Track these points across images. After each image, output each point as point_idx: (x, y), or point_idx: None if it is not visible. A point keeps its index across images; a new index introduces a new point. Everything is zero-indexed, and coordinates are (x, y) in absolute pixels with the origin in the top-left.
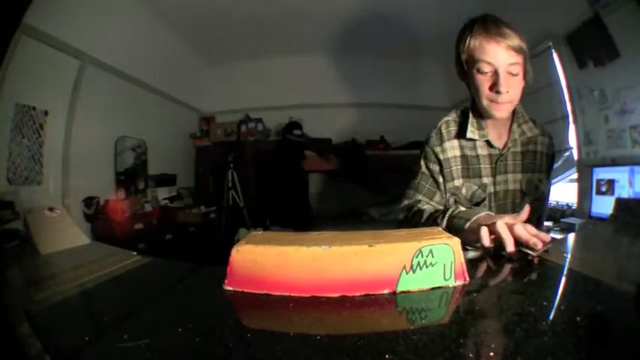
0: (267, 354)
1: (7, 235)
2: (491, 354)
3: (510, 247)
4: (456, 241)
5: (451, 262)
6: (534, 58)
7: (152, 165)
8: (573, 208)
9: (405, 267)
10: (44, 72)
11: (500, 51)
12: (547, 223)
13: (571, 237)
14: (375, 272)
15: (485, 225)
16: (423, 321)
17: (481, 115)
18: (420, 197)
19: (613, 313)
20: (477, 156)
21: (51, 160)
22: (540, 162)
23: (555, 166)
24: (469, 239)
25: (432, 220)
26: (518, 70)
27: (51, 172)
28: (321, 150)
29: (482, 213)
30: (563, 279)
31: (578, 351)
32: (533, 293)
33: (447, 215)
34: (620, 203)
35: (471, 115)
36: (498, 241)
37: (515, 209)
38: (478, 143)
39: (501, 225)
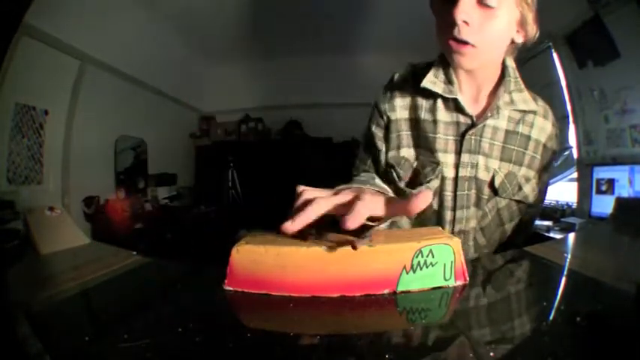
0: (267, 354)
1: (7, 235)
2: (492, 354)
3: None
4: (456, 241)
5: (451, 262)
6: (534, 58)
7: (152, 165)
8: (573, 207)
9: (405, 267)
10: (44, 72)
11: None
12: (547, 223)
13: (571, 237)
14: (375, 272)
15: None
16: (423, 321)
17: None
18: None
19: (613, 313)
20: (435, 121)
21: (51, 160)
22: (533, 154)
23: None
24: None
25: None
26: (497, 1)
27: (51, 171)
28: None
29: (367, 186)
30: (563, 279)
31: (578, 351)
32: (533, 293)
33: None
34: (621, 203)
35: (436, 62)
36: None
37: (481, 208)
38: (441, 104)
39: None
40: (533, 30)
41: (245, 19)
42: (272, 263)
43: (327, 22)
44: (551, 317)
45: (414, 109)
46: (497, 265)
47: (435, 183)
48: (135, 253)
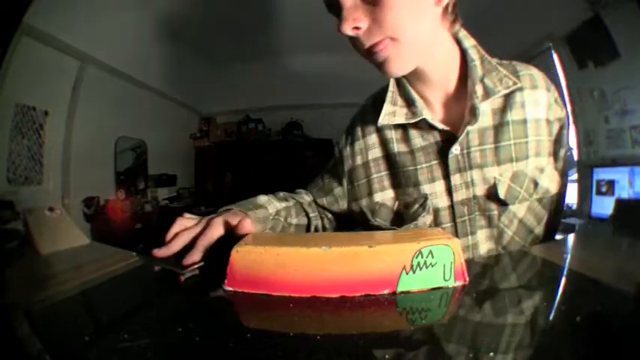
0: (267, 354)
1: (7, 235)
2: (491, 354)
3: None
4: (456, 242)
5: (451, 263)
6: (534, 59)
7: (152, 165)
8: (573, 208)
9: (404, 267)
10: (44, 72)
11: None
12: None
13: (571, 237)
14: (375, 273)
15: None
16: (423, 321)
17: (409, 82)
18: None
19: (613, 313)
20: (412, 151)
21: (51, 160)
22: (536, 137)
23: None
24: None
25: None
26: None
27: (51, 172)
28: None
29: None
30: (563, 279)
31: (578, 351)
32: (533, 293)
33: None
34: (621, 204)
35: (390, 86)
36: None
37: (494, 227)
38: (413, 130)
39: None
40: None
41: (245, 20)
42: (272, 263)
43: (328, 22)
44: (551, 317)
45: (382, 145)
46: (496, 266)
47: (428, 219)
48: (135, 253)
